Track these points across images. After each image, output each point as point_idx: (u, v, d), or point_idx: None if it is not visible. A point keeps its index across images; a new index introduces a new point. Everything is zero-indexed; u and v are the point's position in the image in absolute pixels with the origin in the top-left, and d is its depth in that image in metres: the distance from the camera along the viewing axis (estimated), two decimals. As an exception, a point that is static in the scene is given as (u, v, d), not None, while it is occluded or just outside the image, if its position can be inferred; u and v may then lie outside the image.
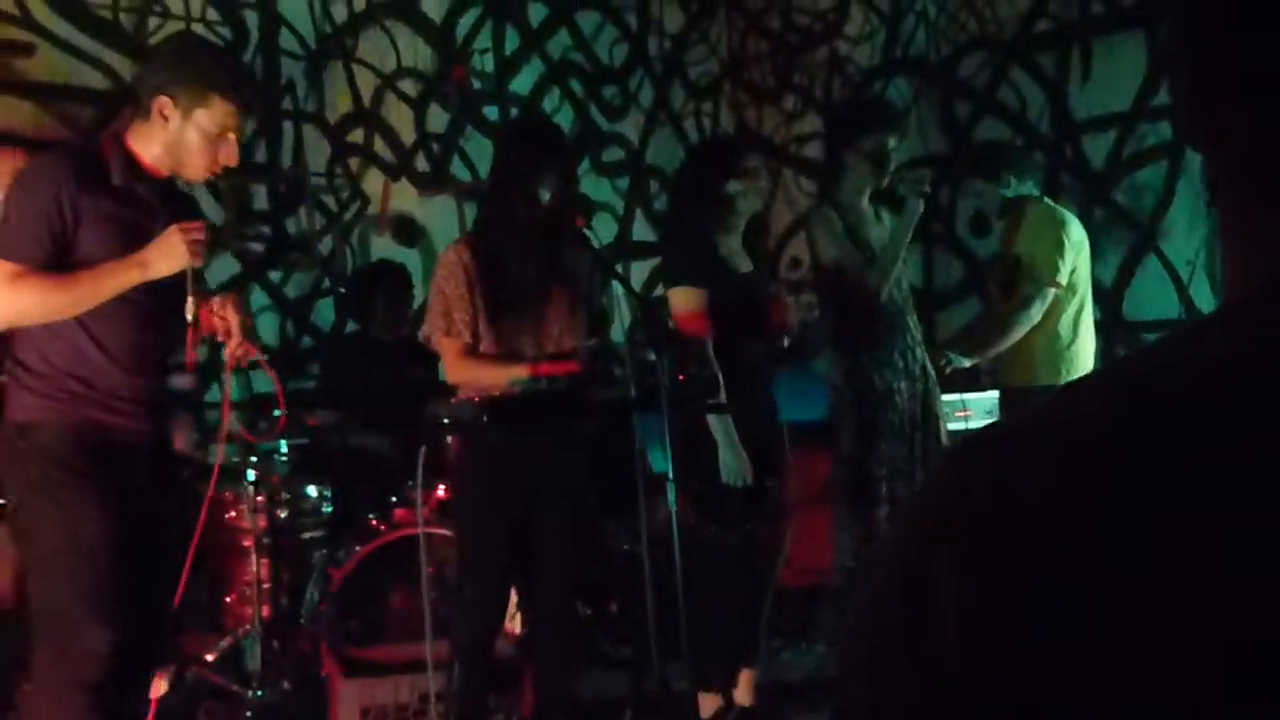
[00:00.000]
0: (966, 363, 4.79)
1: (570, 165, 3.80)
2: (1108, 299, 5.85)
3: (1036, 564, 0.57)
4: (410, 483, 3.97)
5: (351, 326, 5.65)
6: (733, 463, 3.89)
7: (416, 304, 5.36)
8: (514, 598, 4.13)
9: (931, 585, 0.59)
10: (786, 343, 4.25)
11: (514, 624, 4.25)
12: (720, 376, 3.77)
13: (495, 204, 3.71)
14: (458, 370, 3.68)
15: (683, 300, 4.02)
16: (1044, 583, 0.56)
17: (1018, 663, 0.56)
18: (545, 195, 3.58)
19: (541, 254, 3.62)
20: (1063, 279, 4.67)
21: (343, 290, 5.83)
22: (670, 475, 3.32)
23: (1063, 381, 4.67)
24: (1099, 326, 5.77)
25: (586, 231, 3.69)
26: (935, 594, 0.59)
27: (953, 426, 5.39)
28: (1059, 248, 4.67)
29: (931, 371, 4.46)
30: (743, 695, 4.22)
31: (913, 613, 0.60)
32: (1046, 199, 4.93)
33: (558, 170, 3.62)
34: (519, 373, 3.53)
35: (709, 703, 4.17)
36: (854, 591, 4.38)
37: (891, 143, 4.35)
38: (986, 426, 0.68)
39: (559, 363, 3.57)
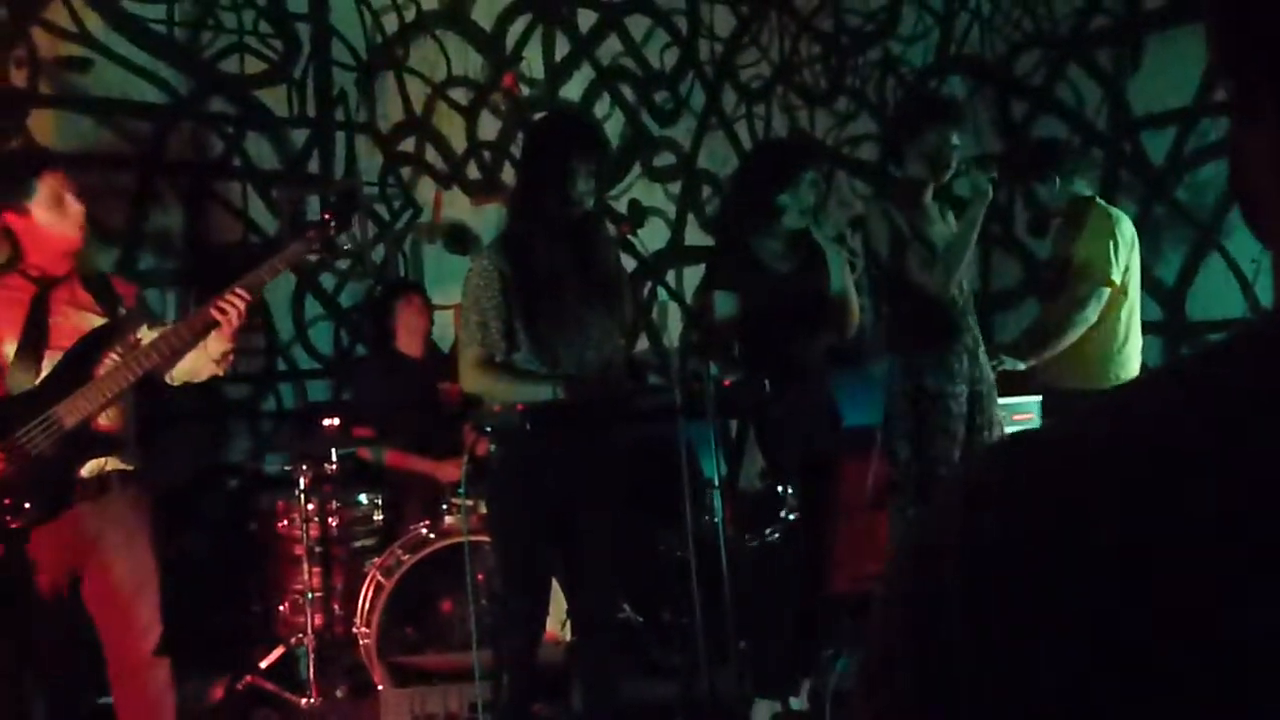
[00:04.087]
0: (1022, 366, 4.70)
1: (602, 156, 3.67)
2: (1170, 298, 5.73)
3: (1042, 581, 0.56)
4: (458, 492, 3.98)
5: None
6: (748, 469, 3.86)
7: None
8: (564, 604, 4.12)
9: (940, 602, 0.58)
10: (840, 344, 4.20)
11: (563, 632, 4.24)
12: (765, 381, 3.72)
13: (525, 202, 3.62)
14: (475, 380, 3.62)
15: (715, 303, 4.00)
16: (1050, 600, 0.55)
17: (1024, 683, 0.55)
18: (582, 189, 3.53)
19: (573, 254, 3.56)
20: (1116, 278, 4.58)
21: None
22: (715, 482, 3.30)
23: (1115, 383, 4.59)
24: (1161, 327, 5.66)
25: (631, 239, 3.66)
26: (944, 611, 0.58)
27: (1011, 430, 5.31)
28: (1113, 247, 4.58)
29: (990, 376, 4.37)
30: (799, 703, 4.19)
31: (922, 626, 0.59)
32: (1099, 198, 4.84)
33: (589, 161, 3.52)
34: (542, 392, 3.47)
35: (765, 709, 4.14)
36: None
37: (954, 138, 4.24)
38: (1005, 437, 0.66)
39: (586, 384, 3.51)
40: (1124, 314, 4.65)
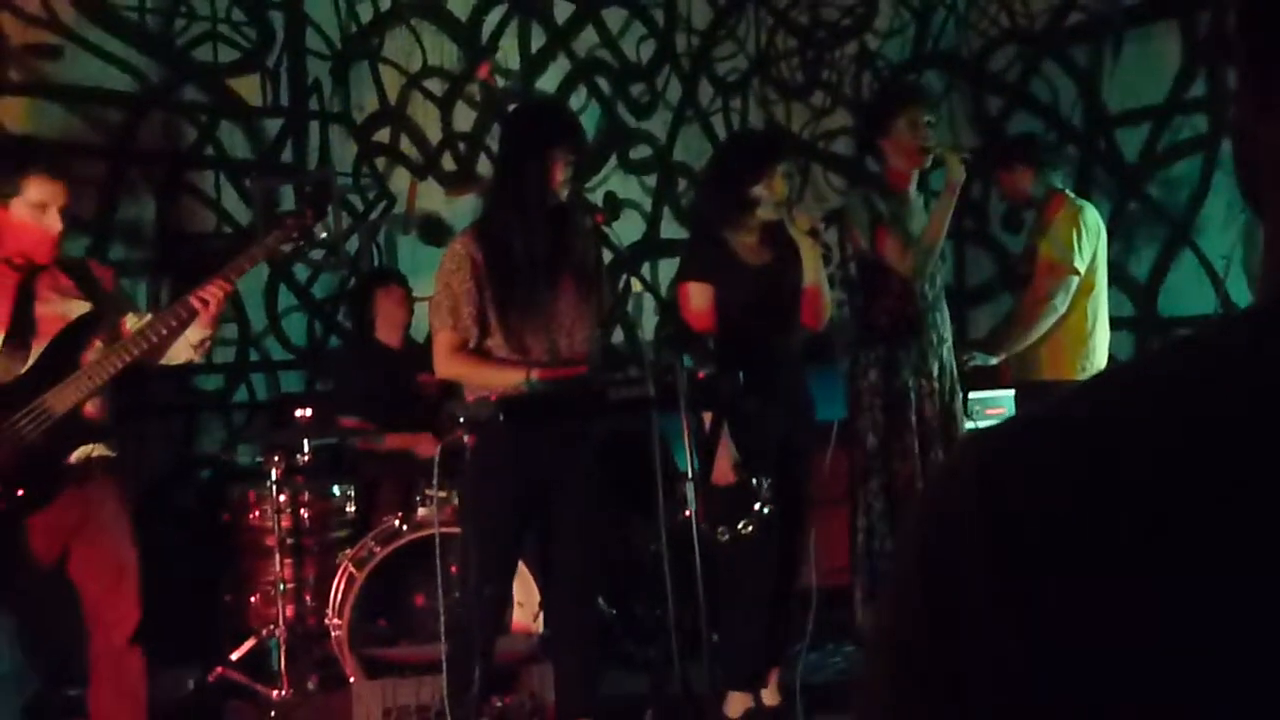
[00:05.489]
0: (993, 360, 4.72)
1: (581, 143, 3.70)
2: (1142, 294, 5.76)
3: (1065, 559, 0.55)
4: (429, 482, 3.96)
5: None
6: (722, 463, 3.85)
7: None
8: (537, 597, 4.11)
9: (960, 583, 0.58)
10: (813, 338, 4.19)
11: (537, 624, 4.24)
12: (740, 374, 3.71)
13: (504, 189, 3.62)
14: (448, 365, 3.62)
15: (689, 295, 4.00)
16: (1073, 578, 0.55)
17: (1052, 659, 0.55)
18: (560, 179, 3.52)
19: (548, 242, 3.56)
20: (1081, 267, 4.61)
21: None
22: (689, 475, 3.29)
23: (1082, 374, 4.62)
24: (1133, 323, 5.69)
25: (605, 229, 3.65)
26: (965, 592, 0.57)
27: (983, 425, 5.33)
28: (1076, 236, 4.60)
29: (954, 372, 4.38)
30: (770, 696, 4.19)
31: (940, 608, 0.58)
32: (1067, 190, 4.86)
33: (569, 148, 3.54)
34: (515, 377, 3.46)
35: (738, 702, 4.14)
36: (876, 590, 4.33)
37: (925, 117, 4.24)
38: (1005, 419, 0.66)
39: (559, 368, 3.50)
40: (1091, 303, 4.68)
